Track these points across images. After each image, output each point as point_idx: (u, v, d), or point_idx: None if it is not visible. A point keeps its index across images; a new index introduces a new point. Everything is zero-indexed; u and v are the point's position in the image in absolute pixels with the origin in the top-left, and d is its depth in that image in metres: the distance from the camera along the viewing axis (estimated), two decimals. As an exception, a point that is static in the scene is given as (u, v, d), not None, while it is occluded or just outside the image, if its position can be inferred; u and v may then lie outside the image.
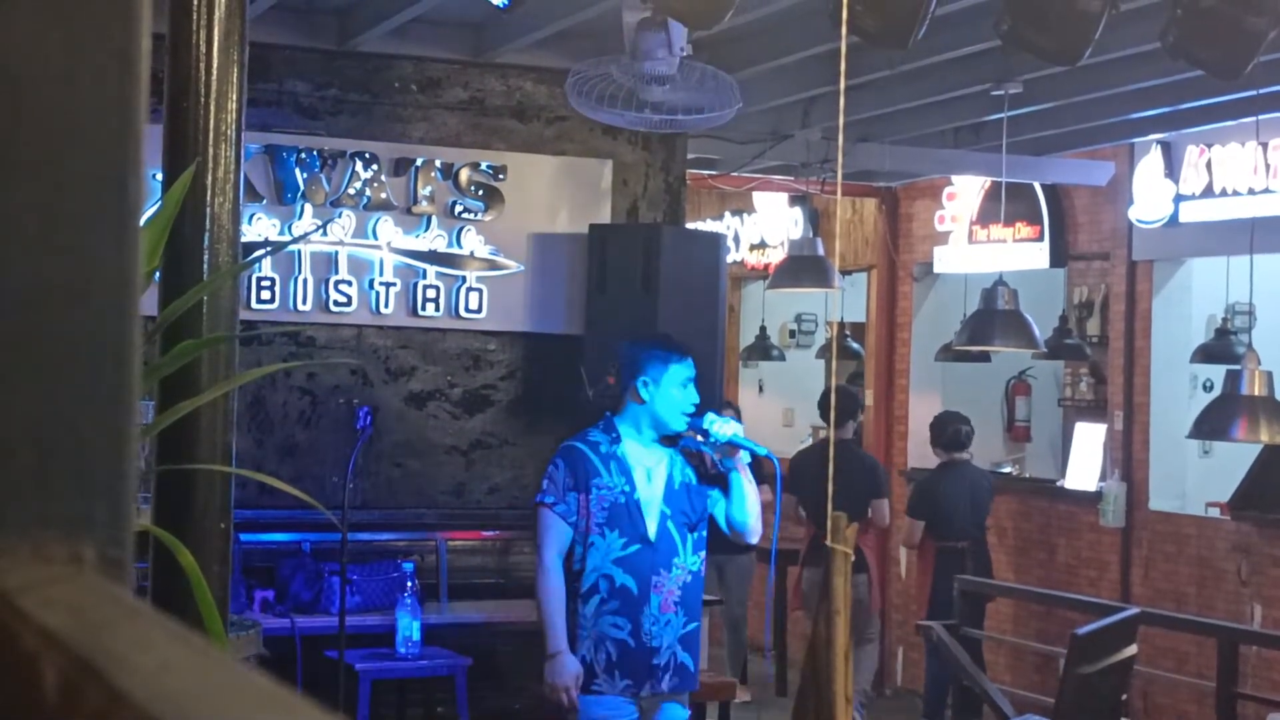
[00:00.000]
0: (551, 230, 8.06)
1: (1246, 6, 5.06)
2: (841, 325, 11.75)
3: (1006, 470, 10.96)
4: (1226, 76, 5.57)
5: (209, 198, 3.95)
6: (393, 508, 7.81)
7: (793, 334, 14.18)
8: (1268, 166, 8.83)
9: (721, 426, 5.06)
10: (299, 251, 7.63)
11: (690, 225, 9.97)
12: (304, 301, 7.65)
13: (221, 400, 3.90)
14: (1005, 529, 10.53)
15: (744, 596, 10.17)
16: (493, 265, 7.95)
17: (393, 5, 7.15)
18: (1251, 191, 8.90)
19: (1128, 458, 9.88)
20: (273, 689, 0.74)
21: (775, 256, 12.07)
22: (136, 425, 0.94)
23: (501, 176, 7.99)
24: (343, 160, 7.75)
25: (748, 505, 5.15)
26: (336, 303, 7.71)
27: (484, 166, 7.97)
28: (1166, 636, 9.01)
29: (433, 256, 7.87)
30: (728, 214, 12.97)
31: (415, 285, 7.84)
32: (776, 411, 13.84)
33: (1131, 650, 6.29)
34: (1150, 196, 9.56)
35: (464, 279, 7.91)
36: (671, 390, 5.09)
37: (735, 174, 10.17)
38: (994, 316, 8.01)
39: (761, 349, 12.83)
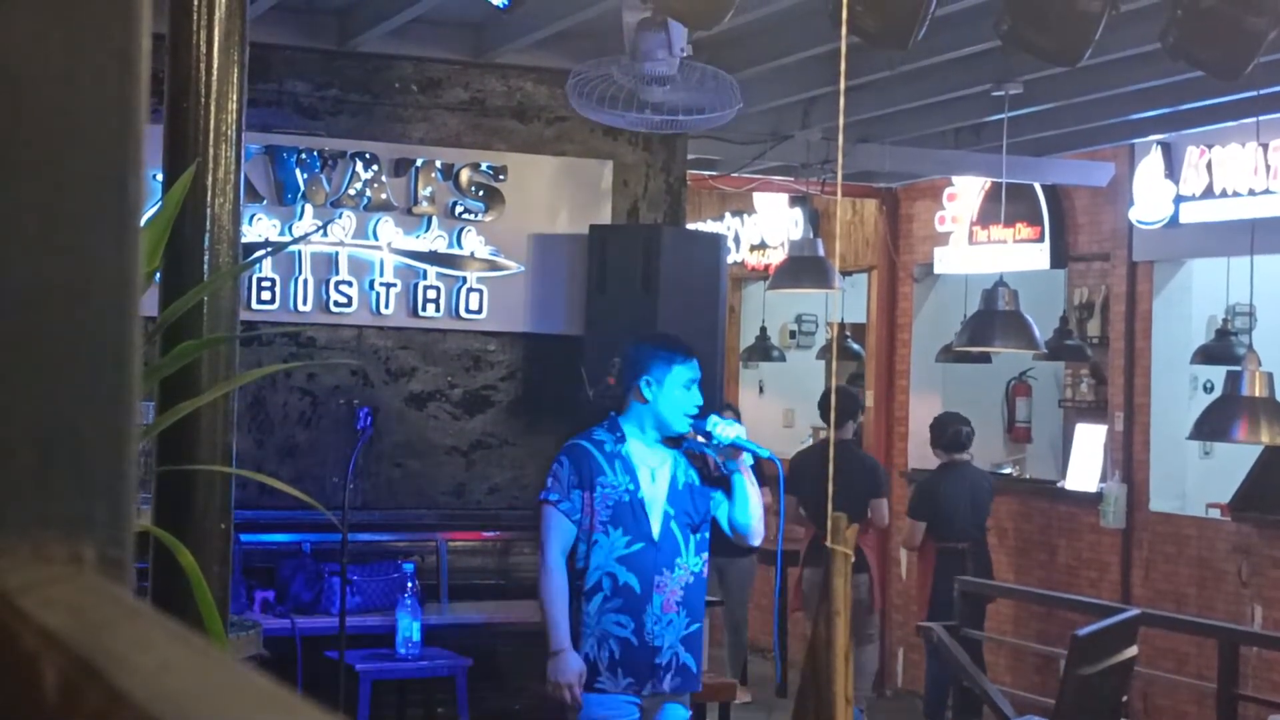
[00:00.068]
0: (552, 231, 8.06)
1: (1246, 6, 5.06)
2: (842, 326, 11.76)
3: (1007, 471, 10.96)
4: (1226, 77, 5.57)
5: (209, 198, 3.95)
6: (393, 508, 7.80)
7: (793, 335, 14.18)
8: (1268, 167, 8.82)
9: (724, 429, 5.05)
10: (299, 252, 7.63)
11: (690, 226, 9.96)
12: (304, 302, 7.65)
13: (222, 401, 3.90)
14: (1006, 530, 10.52)
15: (745, 599, 10.18)
16: (493, 266, 7.95)
17: (393, 5, 7.15)
18: (1252, 192, 8.89)
19: (1128, 459, 9.88)
20: (273, 689, 0.74)
21: (775, 257, 12.07)
22: (136, 425, 0.94)
23: (502, 177, 7.99)
24: (343, 161, 7.75)
25: (750, 507, 5.15)
26: (337, 303, 7.71)
27: (484, 167, 7.97)
28: (1167, 637, 9.00)
29: (433, 257, 7.87)
30: (728, 214, 12.96)
31: (415, 286, 7.84)
32: (777, 412, 13.84)
33: (1132, 651, 6.28)
34: (1150, 197, 9.55)
35: (464, 280, 7.91)
36: (675, 391, 5.08)
37: (735, 174, 10.17)
38: (994, 317, 8.00)
39: (762, 350, 12.82)
